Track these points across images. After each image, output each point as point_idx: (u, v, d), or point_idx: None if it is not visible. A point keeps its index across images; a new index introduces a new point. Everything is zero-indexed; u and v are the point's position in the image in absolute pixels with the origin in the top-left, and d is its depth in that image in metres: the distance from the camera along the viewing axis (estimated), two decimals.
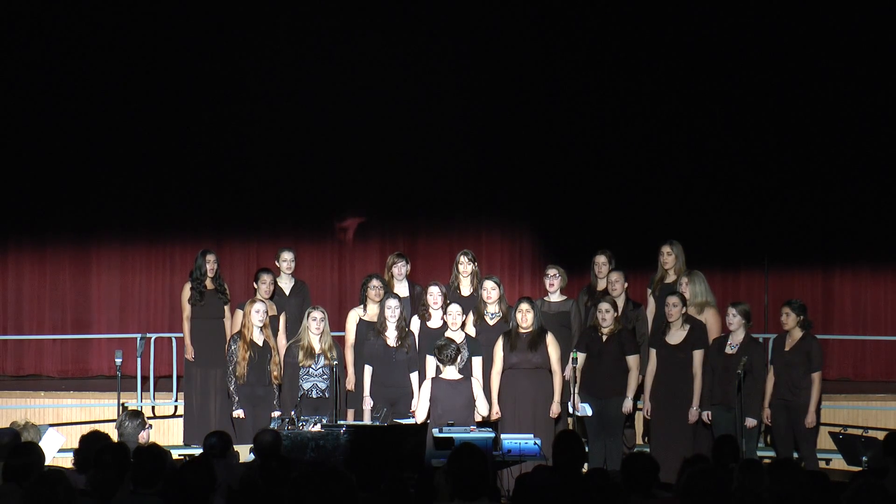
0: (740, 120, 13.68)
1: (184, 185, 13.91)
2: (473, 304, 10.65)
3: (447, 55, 13.77)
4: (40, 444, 7.15)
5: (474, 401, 9.79)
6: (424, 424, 9.67)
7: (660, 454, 9.23)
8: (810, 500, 5.66)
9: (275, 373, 10.40)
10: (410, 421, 9.81)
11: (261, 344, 10.42)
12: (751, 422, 9.79)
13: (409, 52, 13.79)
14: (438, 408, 9.71)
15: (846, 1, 13.58)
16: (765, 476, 6.16)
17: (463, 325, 10.40)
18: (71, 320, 13.87)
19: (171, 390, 12.19)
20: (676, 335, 10.13)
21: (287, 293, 11.33)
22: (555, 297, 10.78)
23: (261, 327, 10.44)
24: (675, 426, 10.02)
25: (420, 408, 9.83)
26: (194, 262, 11.46)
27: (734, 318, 9.96)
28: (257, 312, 10.43)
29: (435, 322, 10.54)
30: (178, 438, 11.53)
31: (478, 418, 9.83)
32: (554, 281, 10.74)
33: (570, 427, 9.98)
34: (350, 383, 10.60)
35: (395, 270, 11.05)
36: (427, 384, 9.88)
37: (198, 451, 8.69)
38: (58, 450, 8.77)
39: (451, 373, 9.82)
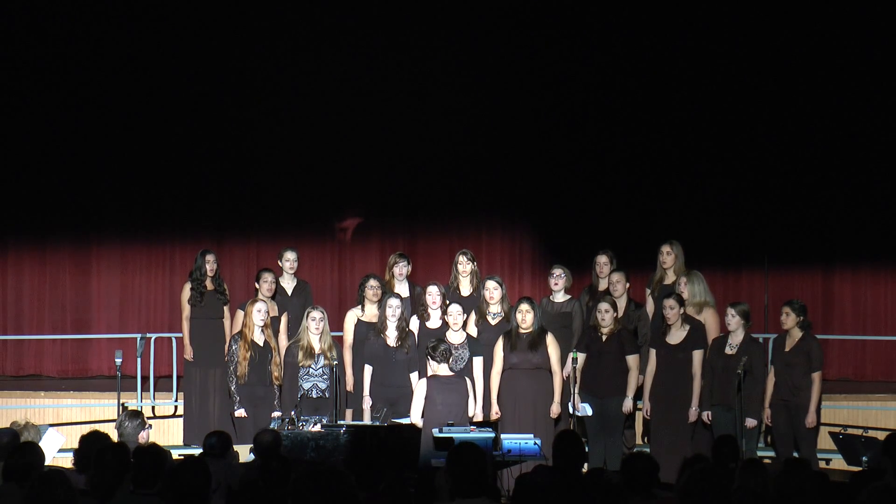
0: (740, 120, 13.68)
1: (184, 185, 13.91)
2: (473, 304, 10.65)
3: (447, 55, 13.77)
4: (40, 444, 7.15)
5: (467, 399, 9.79)
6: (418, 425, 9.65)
7: (660, 454, 9.24)
8: (816, 501, 5.65)
9: (275, 373, 10.40)
10: (409, 421, 9.81)
11: (262, 344, 10.42)
12: (751, 422, 9.78)
13: (409, 53, 13.79)
14: (437, 405, 9.69)
15: (846, 2, 13.58)
16: (766, 476, 6.16)
17: (464, 325, 10.40)
18: (71, 320, 13.88)
19: (171, 390, 12.19)
20: (676, 335, 10.13)
21: (289, 293, 11.34)
22: (559, 296, 10.79)
23: (262, 327, 10.44)
24: (674, 426, 10.02)
25: (414, 407, 9.81)
26: (194, 262, 11.47)
27: (732, 319, 9.96)
28: (258, 312, 10.43)
29: (434, 322, 10.54)
30: (178, 438, 11.53)
31: (471, 414, 9.83)
32: (559, 280, 10.75)
33: (571, 427, 9.97)
34: (349, 384, 10.60)
35: (396, 270, 11.05)
36: (422, 383, 9.87)
37: (198, 452, 8.68)
38: (58, 450, 8.77)
39: (444, 370, 9.83)
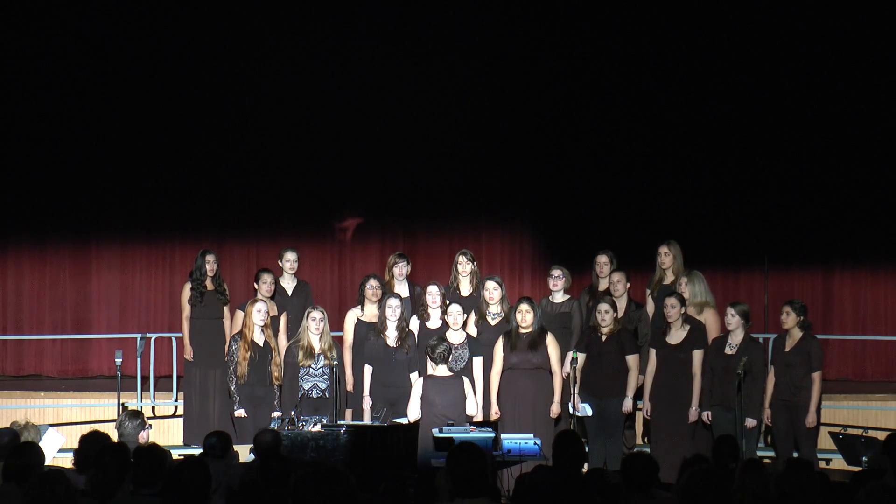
0: (740, 120, 13.68)
1: (184, 185, 13.92)
2: (473, 304, 10.65)
3: (447, 55, 13.77)
4: (40, 444, 7.15)
5: (465, 399, 9.78)
6: (416, 423, 9.65)
7: (660, 454, 9.24)
8: (817, 502, 5.64)
9: (275, 373, 10.40)
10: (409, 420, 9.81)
11: (261, 344, 10.42)
12: (751, 422, 9.78)
13: (409, 53, 13.79)
14: (434, 404, 9.68)
15: (846, 2, 13.58)
16: (766, 476, 6.15)
17: (464, 325, 10.40)
18: (71, 320, 13.87)
19: (171, 390, 12.19)
20: (676, 335, 10.13)
21: (289, 293, 11.33)
22: (558, 297, 10.79)
23: (262, 327, 10.44)
24: (674, 426, 10.02)
25: (412, 405, 9.81)
26: (194, 263, 11.47)
27: (732, 319, 9.96)
28: (258, 312, 10.43)
29: (434, 322, 10.54)
30: (178, 438, 11.54)
31: (471, 414, 9.82)
32: (558, 282, 10.75)
33: (570, 427, 9.97)
34: (349, 384, 10.60)
35: (395, 271, 11.04)
36: (419, 382, 9.87)
37: (198, 452, 8.69)
38: (58, 450, 8.77)
39: (442, 370, 9.82)
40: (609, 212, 13.62)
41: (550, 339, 10.14)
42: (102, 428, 8.18)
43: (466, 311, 10.50)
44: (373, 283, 10.73)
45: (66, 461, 8.24)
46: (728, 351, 9.94)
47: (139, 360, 12.16)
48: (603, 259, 10.90)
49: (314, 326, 10.28)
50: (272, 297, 11.05)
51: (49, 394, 12.43)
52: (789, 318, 10.03)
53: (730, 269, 13.78)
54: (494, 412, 10.10)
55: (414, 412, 9.74)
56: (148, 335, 12.41)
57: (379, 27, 13.80)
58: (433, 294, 10.55)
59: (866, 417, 11.67)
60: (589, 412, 9.99)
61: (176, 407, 12.07)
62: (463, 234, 13.80)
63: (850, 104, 13.55)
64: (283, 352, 10.59)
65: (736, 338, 9.97)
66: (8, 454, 6.43)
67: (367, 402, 10.24)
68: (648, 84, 13.72)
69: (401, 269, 11.06)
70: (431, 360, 9.81)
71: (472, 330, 10.48)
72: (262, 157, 13.86)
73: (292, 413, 9.64)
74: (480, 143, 13.85)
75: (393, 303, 10.36)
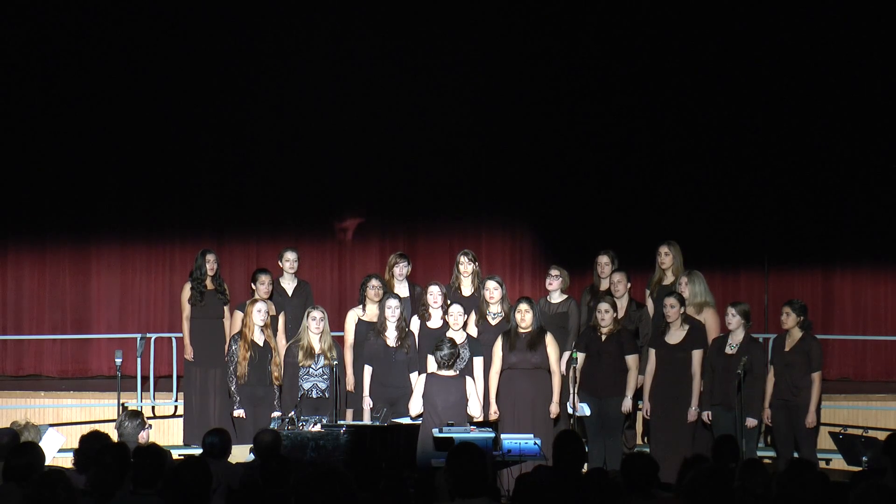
0: (740, 120, 13.68)
1: (184, 185, 13.92)
2: (474, 304, 10.64)
3: (448, 55, 13.77)
4: (40, 444, 7.15)
5: (467, 399, 9.75)
6: (416, 424, 9.62)
7: (660, 454, 9.24)
8: (818, 502, 5.64)
9: (275, 373, 10.40)
10: (409, 420, 9.79)
11: (261, 344, 10.42)
12: (751, 422, 9.79)
13: (409, 53, 13.79)
14: (435, 404, 9.65)
15: (846, 2, 13.58)
16: (766, 476, 6.15)
17: (465, 325, 10.39)
18: (71, 320, 13.87)
19: (171, 390, 12.19)
20: (676, 335, 10.13)
21: (290, 293, 11.33)
22: (555, 296, 10.79)
23: (262, 327, 10.44)
24: (674, 426, 10.02)
25: (413, 401, 9.78)
26: (194, 262, 11.47)
27: (733, 319, 9.96)
28: (259, 312, 10.43)
29: (435, 322, 10.53)
30: (178, 438, 11.54)
31: (473, 414, 9.82)
32: (554, 281, 10.74)
33: (570, 427, 9.97)
34: (349, 384, 10.60)
35: (395, 271, 11.04)
36: (422, 379, 9.84)
37: (198, 452, 8.69)
38: (58, 450, 8.77)
39: (445, 370, 9.80)
40: (609, 212, 13.62)
41: (549, 339, 10.13)
42: (102, 428, 8.19)
43: (467, 312, 10.50)
44: (374, 282, 10.73)
45: (66, 461, 8.24)
46: (728, 351, 9.94)
47: (139, 360, 12.16)
48: (604, 259, 10.90)
49: (314, 326, 10.28)
50: (270, 297, 11.05)
51: (49, 394, 12.43)
52: (789, 318, 10.03)
53: (730, 269, 13.78)
54: (493, 412, 10.09)
55: (415, 408, 9.72)
56: (148, 335, 12.41)
57: (379, 27, 13.80)
58: (435, 294, 10.54)
59: (866, 417, 11.67)
60: (587, 412, 9.99)
61: (176, 407, 12.07)
62: (463, 234, 13.80)
63: (849, 104, 13.55)
64: (282, 352, 10.59)
65: (736, 337, 9.97)
66: (8, 454, 6.43)
67: (367, 403, 10.23)
68: (648, 84, 13.71)
69: (401, 269, 11.06)
70: (435, 361, 9.78)
71: (473, 330, 10.48)
72: (262, 156, 13.86)
73: (292, 413, 9.64)
74: (480, 143, 13.85)
75: (392, 303, 10.35)
